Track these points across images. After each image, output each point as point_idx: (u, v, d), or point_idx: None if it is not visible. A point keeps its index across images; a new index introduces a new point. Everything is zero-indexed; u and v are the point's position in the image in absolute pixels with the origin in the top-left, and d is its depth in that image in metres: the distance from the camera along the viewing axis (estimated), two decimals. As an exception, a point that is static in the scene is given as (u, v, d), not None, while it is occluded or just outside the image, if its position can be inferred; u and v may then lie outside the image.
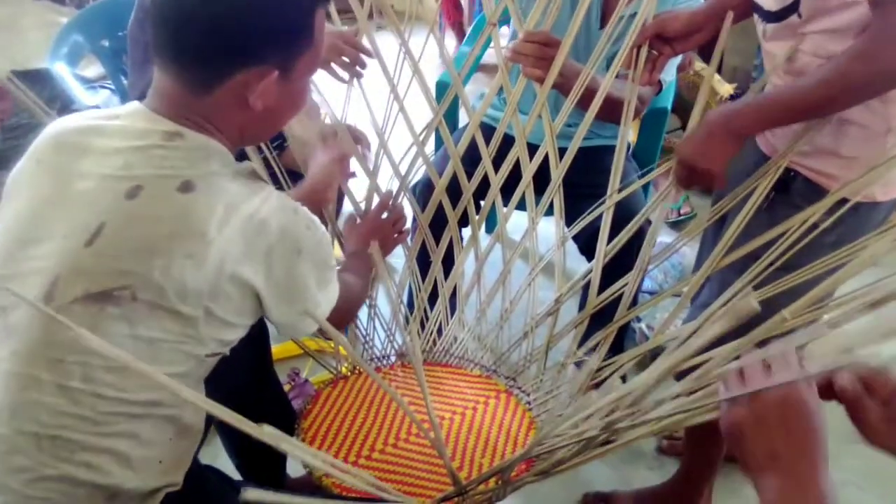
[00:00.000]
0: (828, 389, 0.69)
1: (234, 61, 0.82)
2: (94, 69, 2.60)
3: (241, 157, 1.71)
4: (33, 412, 0.77)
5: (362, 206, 1.48)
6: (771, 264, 1.12)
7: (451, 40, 4.10)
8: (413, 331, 1.49)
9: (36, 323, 0.78)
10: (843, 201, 1.10)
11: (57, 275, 0.78)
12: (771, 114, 1.12)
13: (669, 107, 1.89)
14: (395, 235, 1.41)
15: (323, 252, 0.90)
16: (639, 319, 2.03)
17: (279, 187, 1.46)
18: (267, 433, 0.55)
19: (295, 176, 1.62)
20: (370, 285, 1.34)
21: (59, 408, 0.78)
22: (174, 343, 0.80)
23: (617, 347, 1.42)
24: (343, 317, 1.05)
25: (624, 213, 1.39)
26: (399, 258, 1.65)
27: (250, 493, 0.55)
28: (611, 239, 1.37)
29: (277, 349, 1.78)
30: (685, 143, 1.20)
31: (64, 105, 2.18)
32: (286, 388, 1.72)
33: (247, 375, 1.18)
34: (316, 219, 0.90)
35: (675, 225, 2.50)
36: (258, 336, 1.16)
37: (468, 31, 2.62)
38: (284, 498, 0.59)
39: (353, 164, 1.42)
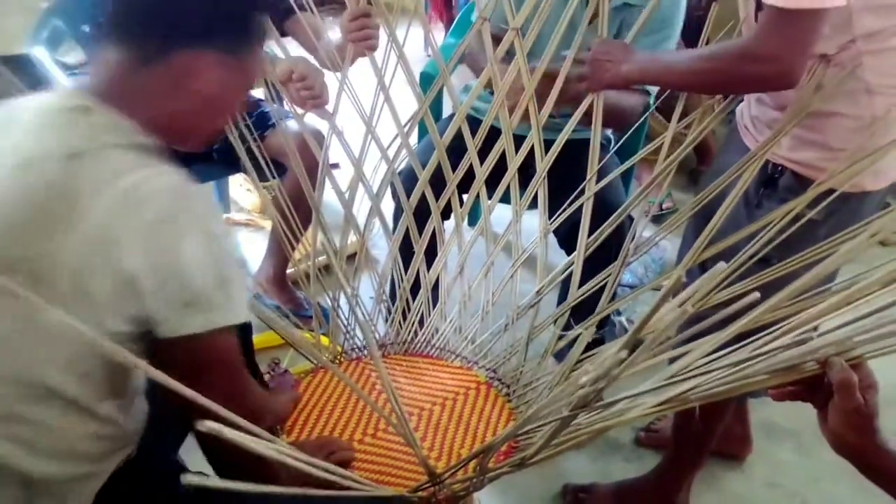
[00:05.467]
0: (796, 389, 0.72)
1: (177, 39, 0.80)
2: (75, 55, 2.57)
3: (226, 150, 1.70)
4: None
5: (346, 195, 1.47)
6: (752, 256, 1.13)
7: (440, 33, 4.10)
8: (368, 323, 1.47)
9: None
10: (831, 192, 1.11)
11: None
12: (652, 72, 1.29)
13: (652, 101, 1.90)
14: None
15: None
16: (619, 313, 2.04)
17: (263, 176, 1.46)
18: (207, 427, 0.52)
19: (279, 165, 1.61)
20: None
21: None
22: None
23: (597, 340, 1.43)
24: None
25: (603, 207, 1.39)
26: (382, 249, 1.64)
27: (190, 477, 0.53)
28: (590, 232, 1.38)
29: (258, 339, 1.77)
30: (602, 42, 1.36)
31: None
32: (265, 378, 1.72)
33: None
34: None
35: (657, 219, 2.52)
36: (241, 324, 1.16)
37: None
38: (225, 483, 0.57)
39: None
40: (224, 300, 0.78)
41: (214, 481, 0.56)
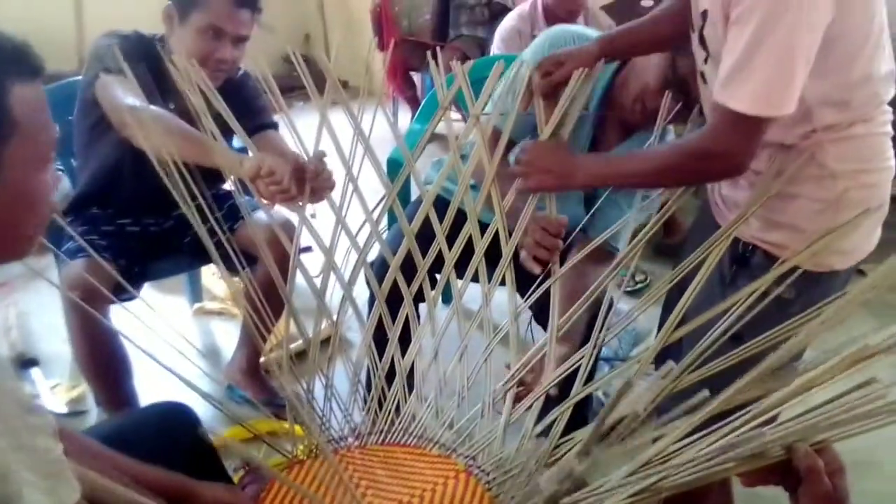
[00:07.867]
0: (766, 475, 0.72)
1: None
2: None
3: (178, 228, 1.69)
4: None
5: (317, 281, 1.47)
6: (723, 334, 1.14)
7: (406, 113, 4.18)
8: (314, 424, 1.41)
9: None
10: (800, 270, 1.13)
11: None
12: (608, 178, 1.33)
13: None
14: None
15: None
16: (596, 388, 2.03)
17: (232, 269, 1.45)
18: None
19: (249, 256, 1.62)
20: None
21: None
22: None
23: (580, 420, 1.41)
24: None
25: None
26: (356, 331, 1.63)
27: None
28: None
29: (230, 432, 1.74)
30: (538, 147, 1.36)
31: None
32: (239, 473, 1.67)
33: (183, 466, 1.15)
34: None
35: (630, 293, 2.54)
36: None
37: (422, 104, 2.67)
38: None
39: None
40: None
41: None
